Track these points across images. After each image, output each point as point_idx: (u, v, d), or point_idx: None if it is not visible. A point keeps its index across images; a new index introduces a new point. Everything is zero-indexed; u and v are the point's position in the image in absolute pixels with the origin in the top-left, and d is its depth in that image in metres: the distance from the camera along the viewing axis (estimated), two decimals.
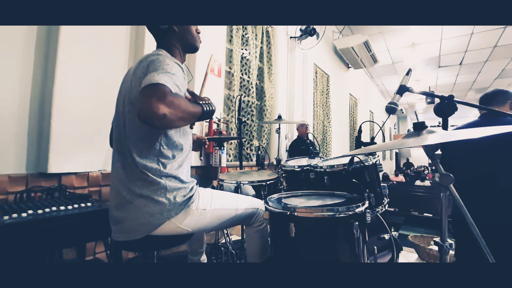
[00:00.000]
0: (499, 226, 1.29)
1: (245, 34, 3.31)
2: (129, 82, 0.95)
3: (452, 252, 0.80)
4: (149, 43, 1.95)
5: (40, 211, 1.09)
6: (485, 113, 1.52)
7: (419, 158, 13.89)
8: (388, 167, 11.07)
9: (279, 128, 2.67)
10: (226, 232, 1.83)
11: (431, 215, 4.53)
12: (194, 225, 0.99)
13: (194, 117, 0.86)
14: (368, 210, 1.14)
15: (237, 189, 1.57)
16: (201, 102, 0.91)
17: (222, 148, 2.32)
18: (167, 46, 1.04)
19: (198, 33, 1.11)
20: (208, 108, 0.91)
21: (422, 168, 11.35)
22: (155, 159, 0.92)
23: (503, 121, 1.37)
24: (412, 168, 10.24)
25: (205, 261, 1.49)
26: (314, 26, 4.04)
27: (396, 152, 12.44)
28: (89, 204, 1.26)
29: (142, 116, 0.72)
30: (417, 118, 14.50)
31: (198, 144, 1.39)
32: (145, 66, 0.88)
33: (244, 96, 3.30)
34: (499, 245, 0.82)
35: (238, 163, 2.71)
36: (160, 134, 0.92)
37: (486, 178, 1.39)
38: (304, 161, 1.85)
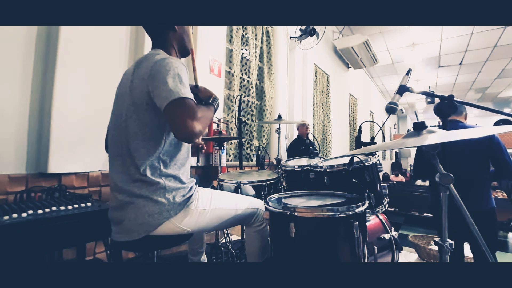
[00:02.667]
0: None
1: (245, 34, 3.30)
2: (129, 84, 0.93)
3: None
4: (149, 43, 1.93)
5: (40, 211, 1.09)
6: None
7: None
8: (389, 167, 11.06)
9: (279, 128, 2.67)
10: (226, 232, 1.83)
11: (431, 215, 4.52)
12: (194, 225, 0.98)
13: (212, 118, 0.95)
14: (368, 210, 1.14)
15: (237, 189, 1.57)
16: (210, 101, 1.01)
17: (222, 148, 2.32)
18: (165, 45, 1.03)
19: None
20: (217, 105, 1.03)
21: None
22: (157, 157, 0.92)
23: (459, 127, 1.70)
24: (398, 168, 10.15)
25: (205, 261, 1.49)
26: (314, 26, 4.04)
27: (396, 152, 12.43)
28: (89, 204, 1.26)
29: (182, 137, 0.80)
30: (417, 118, 14.49)
31: (195, 149, 1.38)
32: (149, 66, 0.88)
33: (244, 96, 3.30)
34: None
35: (238, 163, 2.71)
36: (166, 131, 0.93)
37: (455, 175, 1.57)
38: (304, 161, 1.85)
